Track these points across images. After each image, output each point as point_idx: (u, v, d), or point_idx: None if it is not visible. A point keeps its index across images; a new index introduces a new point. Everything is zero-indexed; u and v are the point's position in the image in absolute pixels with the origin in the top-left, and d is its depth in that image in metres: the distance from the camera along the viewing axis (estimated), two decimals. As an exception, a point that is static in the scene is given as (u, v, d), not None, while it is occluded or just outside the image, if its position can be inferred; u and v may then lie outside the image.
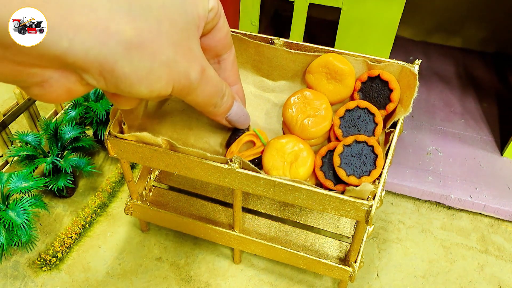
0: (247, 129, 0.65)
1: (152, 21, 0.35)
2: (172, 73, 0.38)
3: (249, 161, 0.63)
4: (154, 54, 0.35)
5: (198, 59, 0.41)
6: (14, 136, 0.88)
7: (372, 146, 0.59)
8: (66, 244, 0.84)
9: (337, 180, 0.61)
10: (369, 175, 0.58)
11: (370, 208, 0.56)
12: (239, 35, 0.69)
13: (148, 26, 0.34)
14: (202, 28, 0.43)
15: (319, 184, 0.63)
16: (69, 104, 0.96)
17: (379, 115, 0.63)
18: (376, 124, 0.62)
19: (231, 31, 0.69)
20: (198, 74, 0.41)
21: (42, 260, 0.81)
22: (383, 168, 0.59)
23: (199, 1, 0.40)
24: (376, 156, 0.59)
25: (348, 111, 0.64)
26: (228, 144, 0.66)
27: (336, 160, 0.59)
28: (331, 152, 0.62)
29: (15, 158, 0.88)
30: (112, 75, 0.34)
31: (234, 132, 0.66)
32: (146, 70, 0.35)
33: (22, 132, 0.88)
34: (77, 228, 0.86)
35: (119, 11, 0.32)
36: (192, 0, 0.39)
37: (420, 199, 0.96)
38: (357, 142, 0.60)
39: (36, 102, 0.97)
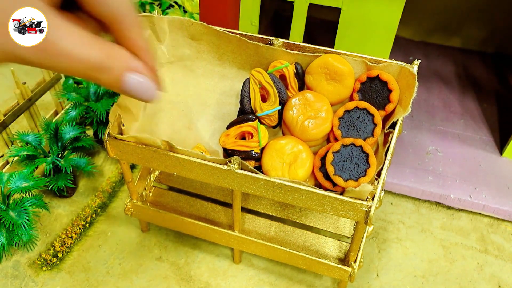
0: (253, 119, 0.64)
1: None
2: None
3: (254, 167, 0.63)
4: None
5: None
6: (15, 136, 0.88)
7: (361, 146, 0.59)
8: (66, 244, 0.84)
9: (336, 181, 0.61)
10: (365, 175, 0.58)
11: (369, 209, 0.56)
12: (238, 35, 0.69)
13: None
14: None
15: (318, 185, 0.63)
16: (70, 104, 0.96)
17: (378, 116, 0.63)
18: (375, 124, 0.63)
19: (231, 31, 0.70)
20: (33, 53, 0.34)
21: (42, 259, 0.81)
22: (382, 168, 0.59)
23: None
24: (367, 154, 0.59)
25: (347, 111, 0.64)
26: (228, 127, 0.66)
27: (330, 169, 0.59)
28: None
29: (16, 158, 0.88)
30: None
31: (239, 118, 0.66)
32: None
33: (22, 132, 0.88)
34: (78, 228, 0.86)
35: None
36: None
37: (420, 199, 0.96)
38: (344, 146, 0.60)
39: (37, 102, 0.98)
